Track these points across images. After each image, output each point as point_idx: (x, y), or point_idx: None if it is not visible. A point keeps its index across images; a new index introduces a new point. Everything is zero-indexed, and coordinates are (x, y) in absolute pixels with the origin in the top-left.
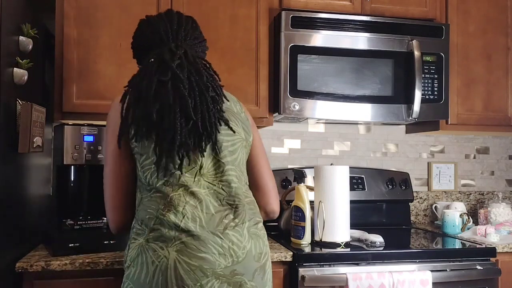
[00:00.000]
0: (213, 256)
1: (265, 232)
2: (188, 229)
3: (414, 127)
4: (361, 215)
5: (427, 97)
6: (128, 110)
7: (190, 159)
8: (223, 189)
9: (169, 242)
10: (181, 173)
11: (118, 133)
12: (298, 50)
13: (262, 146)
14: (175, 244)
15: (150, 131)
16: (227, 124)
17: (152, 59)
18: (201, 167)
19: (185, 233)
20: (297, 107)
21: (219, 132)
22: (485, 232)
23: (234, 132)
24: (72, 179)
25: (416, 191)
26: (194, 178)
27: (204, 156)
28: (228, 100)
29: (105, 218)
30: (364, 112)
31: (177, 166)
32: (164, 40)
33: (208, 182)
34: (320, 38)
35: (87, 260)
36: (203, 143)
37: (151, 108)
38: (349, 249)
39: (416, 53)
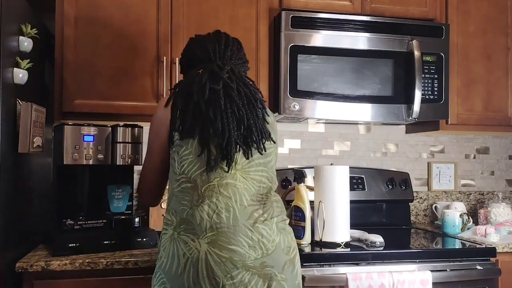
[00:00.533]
0: (243, 249)
1: (291, 229)
2: (220, 221)
3: (414, 127)
4: (361, 215)
5: (427, 97)
6: (176, 112)
7: (233, 159)
8: (253, 187)
9: (201, 234)
10: (227, 169)
11: (168, 130)
12: (298, 50)
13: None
14: (206, 236)
15: (193, 129)
16: (270, 136)
17: (201, 70)
18: (235, 162)
19: (217, 225)
20: (297, 107)
21: (266, 140)
22: (485, 232)
23: (274, 143)
24: (72, 179)
25: (416, 191)
26: (231, 170)
27: (239, 152)
28: (268, 114)
29: (105, 219)
30: (364, 112)
31: (223, 163)
32: (211, 58)
33: (243, 177)
34: (320, 38)
35: (87, 260)
36: (252, 146)
37: (204, 111)
38: (349, 249)
39: (416, 53)
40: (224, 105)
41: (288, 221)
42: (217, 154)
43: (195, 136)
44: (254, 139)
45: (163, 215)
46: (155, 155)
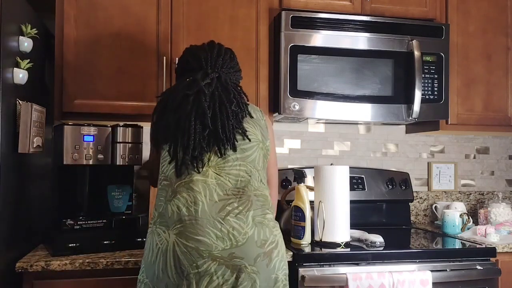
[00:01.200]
0: (210, 239)
1: (276, 224)
2: (188, 214)
3: (414, 127)
4: (361, 215)
5: (427, 97)
6: (156, 119)
7: (202, 160)
8: (229, 181)
9: (171, 226)
10: (198, 171)
11: (151, 138)
12: (298, 50)
13: (274, 160)
14: (175, 227)
15: (166, 135)
16: (244, 133)
17: (187, 79)
18: (209, 159)
19: (185, 218)
20: (297, 107)
21: (237, 141)
22: (485, 232)
23: (250, 140)
24: (72, 179)
25: (416, 191)
26: (203, 168)
27: (211, 151)
28: (252, 116)
29: (105, 219)
30: (364, 112)
31: (194, 165)
32: (203, 66)
33: (216, 173)
34: (320, 38)
35: (87, 260)
36: (222, 146)
37: (171, 117)
38: (349, 249)
39: (416, 53)
40: (190, 109)
41: (270, 215)
42: (184, 157)
43: (168, 143)
44: (222, 139)
45: None
46: (153, 154)
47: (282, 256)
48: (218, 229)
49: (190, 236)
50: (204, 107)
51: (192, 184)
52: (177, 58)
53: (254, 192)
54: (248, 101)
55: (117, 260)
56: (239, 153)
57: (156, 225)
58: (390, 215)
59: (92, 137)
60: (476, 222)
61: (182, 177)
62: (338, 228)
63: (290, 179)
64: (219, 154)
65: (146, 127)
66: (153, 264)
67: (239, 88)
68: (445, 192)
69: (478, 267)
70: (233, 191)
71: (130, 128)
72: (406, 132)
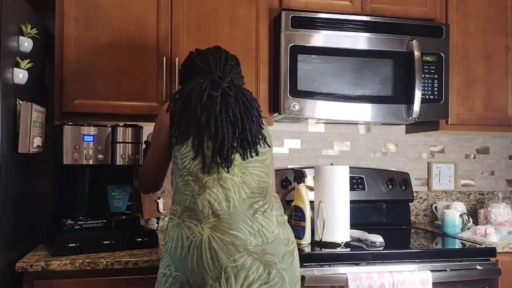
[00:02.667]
0: (244, 234)
1: (289, 226)
2: (221, 209)
3: (414, 127)
4: (361, 215)
5: (427, 97)
6: (174, 117)
7: (232, 161)
8: (253, 181)
9: (203, 220)
10: (226, 170)
11: (168, 134)
12: (298, 50)
13: (273, 160)
14: (208, 221)
15: (192, 131)
16: (264, 139)
17: (202, 80)
18: (234, 158)
19: (218, 212)
20: (297, 107)
21: (259, 145)
22: (485, 232)
23: (270, 147)
24: (72, 179)
25: (416, 191)
26: (227, 170)
27: (235, 154)
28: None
29: (105, 219)
30: (364, 112)
31: (225, 164)
32: (212, 70)
33: (241, 172)
34: (320, 38)
35: (87, 260)
36: (248, 149)
37: (199, 114)
38: (349, 249)
39: (416, 53)
40: (219, 110)
41: (286, 217)
42: (213, 156)
43: (190, 139)
44: (249, 142)
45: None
46: (156, 151)
47: (297, 255)
48: (249, 225)
49: (225, 231)
50: (233, 108)
51: (222, 181)
52: (177, 58)
53: (272, 194)
54: (259, 107)
55: (117, 260)
56: (260, 155)
57: (182, 219)
58: (390, 215)
59: (92, 137)
60: (476, 222)
61: (211, 173)
62: (338, 228)
63: (290, 179)
64: (243, 156)
65: (146, 127)
66: (185, 257)
67: (251, 94)
68: (445, 192)
69: (478, 267)
70: (257, 190)
71: (130, 128)
72: (406, 132)
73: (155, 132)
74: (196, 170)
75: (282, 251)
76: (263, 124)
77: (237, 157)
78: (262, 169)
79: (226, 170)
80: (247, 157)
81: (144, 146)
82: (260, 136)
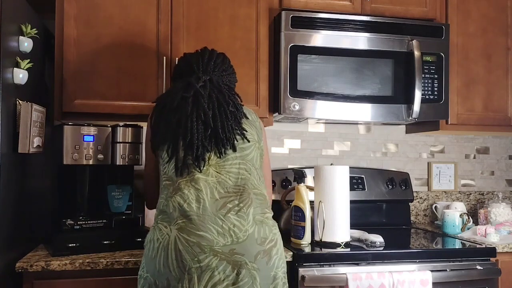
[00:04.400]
0: (211, 235)
1: (275, 223)
2: (190, 210)
3: (414, 127)
4: (361, 215)
5: (427, 97)
6: (155, 121)
7: (204, 160)
8: (229, 179)
9: (172, 221)
10: (199, 170)
11: (149, 139)
12: (298, 50)
13: (268, 160)
14: (177, 223)
15: (166, 136)
16: (243, 134)
17: (181, 83)
18: (209, 158)
19: (186, 213)
20: (297, 107)
21: (236, 141)
22: (485, 232)
23: (249, 141)
24: (72, 179)
25: (416, 191)
26: (200, 170)
27: (211, 151)
28: (247, 117)
29: (105, 219)
30: (364, 112)
31: (195, 164)
32: (194, 70)
33: (216, 172)
34: (320, 38)
35: (87, 260)
36: (222, 146)
37: (170, 118)
38: (349, 249)
39: (416, 53)
40: (190, 110)
41: (269, 214)
42: (186, 157)
43: (167, 143)
44: (222, 139)
45: None
46: (148, 162)
47: (281, 254)
48: (219, 225)
49: (191, 232)
50: (204, 107)
51: (194, 182)
52: (177, 58)
53: (253, 191)
54: (241, 101)
55: (117, 260)
56: (238, 152)
57: (156, 221)
58: (390, 215)
59: (92, 137)
60: (476, 222)
61: (184, 176)
62: (338, 228)
63: (290, 179)
64: (218, 154)
65: (146, 127)
66: (154, 258)
67: (233, 90)
68: (445, 192)
69: (478, 267)
70: (233, 188)
71: (130, 128)
72: (406, 132)
73: (145, 144)
74: (171, 174)
75: (255, 250)
76: (244, 118)
77: (212, 156)
78: (243, 165)
79: (199, 170)
80: (222, 155)
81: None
82: (237, 132)
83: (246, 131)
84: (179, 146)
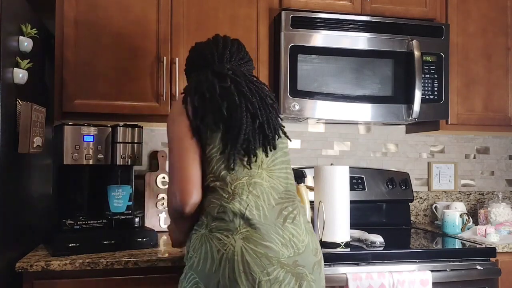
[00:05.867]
0: (277, 246)
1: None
2: (252, 218)
3: (414, 127)
4: (361, 215)
5: (427, 97)
6: (196, 109)
7: (255, 154)
8: (280, 184)
9: (234, 231)
10: (249, 167)
11: (190, 127)
12: (298, 50)
13: None
14: (240, 232)
15: (217, 124)
16: (283, 131)
17: (206, 74)
18: (262, 161)
19: (249, 222)
20: (297, 107)
21: (279, 137)
22: (485, 232)
23: (289, 139)
24: (72, 179)
25: (416, 191)
26: (258, 170)
27: (264, 152)
28: None
29: (105, 219)
30: (364, 112)
31: (245, 160)
32: (209, 61)
33: (268, 176)
34: (320, 38)
35: (87, 260)
36: (267, 142)
37: (220, 105)
38: (349, 249)
39: (416, 53)
40: (238, 100)
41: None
42: (238, 150)
43: (218, 132)
44: (269, 135)
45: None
46: (187, 144)
47: (323, 265)
48: (280, 235)
49: (258, 242)
50: (250, 98)
51: (251, 187)
52: (177, 58)
53: (297, 197)
54: (270, 91)
55: (117, 260)
56: (283, 156)
57: (210, 229)
58: (390, 215)
59: (92, 137)
60: (476, 222)
61: (239, 177)
62: (338, 228)
63: None
64: (265, 153)
65: (146, 127)
66: (216, 272)
67: (257, 79)
68: (445, 192)
69: (478, 267)
70: (285, 194)
71: (130, 128)
72: (406, 132)
73: (176, 128)
74: (224, 174)
75: (312, 261)
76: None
77: (263, 158)
78: (289, 170)
79: (248, 166)
80: (270, 151)
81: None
82: (280, 127)
83: (284, 127)
84: (229, 139)
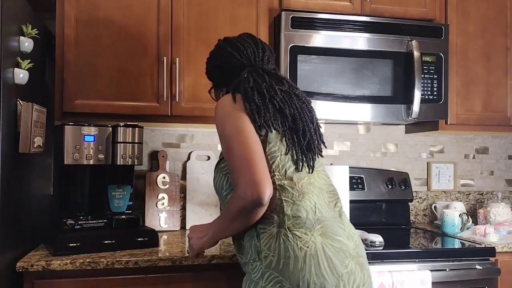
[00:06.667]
0: (344, 239)
1: None
2: (321, 215)
3: (414, 127)
4: (360, 215)
5: (426, 97)
6: (259, 108)
7: (314, 158)
8: (326, 184)
9: (312, 228)
10: (312, 169)
11: (254, 125)
12: (298, 51)
13: None
14: (316, 229)
15: (280, 125)
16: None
17: (246, 74)
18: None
19: (320, 219)
20: None
21: (325, 146)
22: (485, 232)
23: (326, 147)
24: (73, 179)
25: (415, 191)
26: (311, 171)
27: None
28: None
29: (105, 219)
30: (363, 112)
31: (307, 162)
32: (252, 62)
33: (318, 177)
34: (320, 39)
35: (87, 260)
36: (318, 145)
37: (282, 108)
38: None
39: (416, 54)
40: (299, 105)
41: None
42: (304, 152)
43: (279, 131)
44: (317, 140)
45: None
46: (252, 134)
47: None
48: (342, 229)
49: (333, 237)
50: (305, 102)
51: (312, 187)
52: (177, 59)
53: (338, 194)
54: None
55: (118, 260)
56: (320, 160)
57: (286, 227)
58: (389, 215)
59: (92, 137)
60: (475, 222)
61: (302, 177)
62: None
63: None
64: (318, 154)
65: (146, 127)
66: (302, 269)
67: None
68: (444, 192)
69: (478, 267)
70: (331, 192)
71: (130, 128)
72: (406, 132)
73: (235, 120)
74: (290, 173)
75: (365, 251)
76: None
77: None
78: (325, 171)
79: (311, 170)
80: (320, 153)
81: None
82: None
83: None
84: (293, 140)
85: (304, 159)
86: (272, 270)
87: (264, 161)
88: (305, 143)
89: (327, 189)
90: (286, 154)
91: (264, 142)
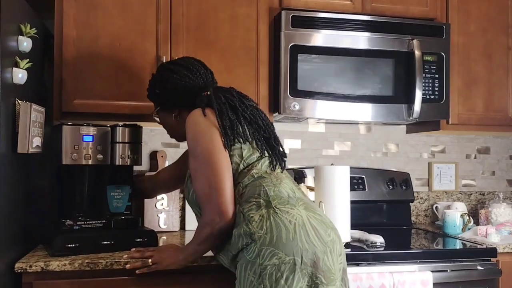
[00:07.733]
0: (322, 214)
1: None
2: (299, 195)
3: (415, 127)
4: (361, 216)
5: (427, 97)
6: (232, 122)
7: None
8: (291, 181)
9: (296, 204)
10: (283, 169)
11: (223, 140)
12: (298, 50)
13: None
14: (300, 204)
15: (251, 135)
16: None
17: (207, 93)
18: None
19: (299, 197)
20: (297, 107)
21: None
22: (486, 232)
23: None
24: (71, 180)
25: (416, 191)
26: (282, 171)
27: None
28: None
29: (104, 220)
30: (364, 112)
31: (283, 165)
32: (206, 82)
33: (286, 175)
34: (321, 38)
35: (86, 261)
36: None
37: (254, 121)
38: (349, 250)
39: (417, 53)
40: (263, 116)
41: None
42: (274, 156)
43: (251, 141)
44: (280, 146)
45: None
46: (224, 158)
47: None
48: (316, 207)
49: (314, 211)
50: (265, 119)
51: (285, 176)
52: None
53: None
54: None
55: (117, 260)
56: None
57: (275, 207)
58: (390, 216)
59: (91, 137)
60: (477, 223)
61: (275, 170)
62: (339, 228)
63: None
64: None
65: (145, 127)
66: (293, 240)
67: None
68: (445, 192)
69: (479, 268)
70: (296, 186)
71: (129, 128)
72: (407, 132)
73: (208, 142)
74: (264, 168)
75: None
76: None
77: None
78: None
79: (283, 169)
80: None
81: None
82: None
83: None
84: (268, 146)
85: (277, 160)
86: (267, 246)
87: (230, 181)
88: (278, 148)
89: (294, 184)
90: (261, 158)
91: (238, 149)
